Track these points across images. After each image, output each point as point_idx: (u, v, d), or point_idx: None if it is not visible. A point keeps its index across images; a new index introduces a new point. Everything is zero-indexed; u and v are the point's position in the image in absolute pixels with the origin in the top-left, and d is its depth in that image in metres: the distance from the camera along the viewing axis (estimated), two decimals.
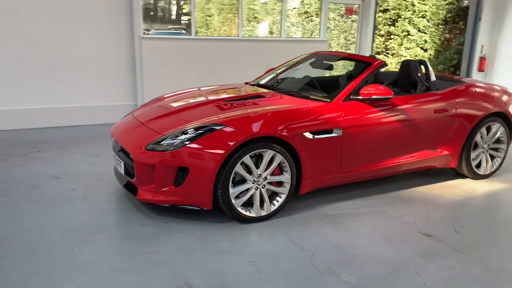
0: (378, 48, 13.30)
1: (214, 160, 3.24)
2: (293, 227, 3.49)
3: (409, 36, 12.67)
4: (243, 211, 3.46)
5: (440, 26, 12.27)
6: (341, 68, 7.34)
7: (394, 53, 13.00)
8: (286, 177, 3.57)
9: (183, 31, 8.28)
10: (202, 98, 4.27)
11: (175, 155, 3.29)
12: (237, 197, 3.41)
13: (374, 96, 3.85)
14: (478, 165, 4.69)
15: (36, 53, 6.33)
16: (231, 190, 3.35)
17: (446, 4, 12.13)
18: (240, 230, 3.43)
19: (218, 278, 2.76)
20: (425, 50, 12.55)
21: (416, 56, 12.44)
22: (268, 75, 5.07)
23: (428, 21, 12.41)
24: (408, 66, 4.56)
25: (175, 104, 4.14)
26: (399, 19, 12.85)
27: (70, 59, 6.56)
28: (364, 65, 4.27)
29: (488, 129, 4.64)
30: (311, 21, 11.53)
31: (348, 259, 3.04)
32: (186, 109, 3.96)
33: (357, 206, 3.94)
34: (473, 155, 4.59)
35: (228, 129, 3.35)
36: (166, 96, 4.59)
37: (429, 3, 12.33)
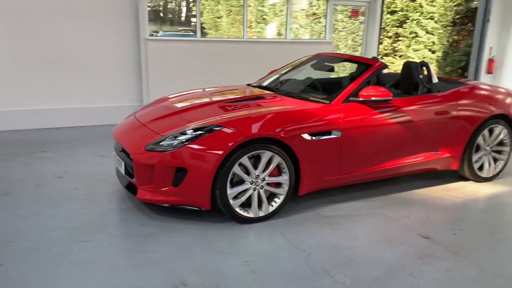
0: (386, 49, 13.26)
1: (212, 160, 3.27)
2: (291, 228, 3.50)
3: (417, 38, 12.61)
4: (241, 212, 3.48)
5: (448, 28, 12.19)
6: (344, 70, 7.35)
7: (402, 55, 12.94)
8: (284, 178, 3.59)
9: (191, 33, 8.34)
10: (202, 99, 4.32)
11: (174, 156, 3.33)
12: (235, 197, 3.44)
13: (373, 98, 3.85)
14: (481, 168, 4.66)
15: (42, 55, 6.43)
16: (229, 191, 3.38)
17: (455, 5, 12.05)
18: (238, 230, 3.45)
19: (213, 278, 2.79)
20: (433, 52, 12.47)
21: (424, 58, 12.36)
22: (270, 77, 5.10)
23: (436, 22, 12.33)
24: (409, 68, 4.54)
25: (178, 105, 4.19)
26: (407, 21, 12.79)
27: (77, 60, 6.65)
28: (364, 67, 4.28)
29: (491, 132, 4.61)
30: (319, 22, 11.53)
31: (344, 260, 3.05)
32: (186, 110, 4.01)
33: (356, 208, 3.94)
34: (475, 157, 4.56)
35: (226, 130, 3.38)
36: (171, 96, 4.65)
37: (437, 5, 12.25)
